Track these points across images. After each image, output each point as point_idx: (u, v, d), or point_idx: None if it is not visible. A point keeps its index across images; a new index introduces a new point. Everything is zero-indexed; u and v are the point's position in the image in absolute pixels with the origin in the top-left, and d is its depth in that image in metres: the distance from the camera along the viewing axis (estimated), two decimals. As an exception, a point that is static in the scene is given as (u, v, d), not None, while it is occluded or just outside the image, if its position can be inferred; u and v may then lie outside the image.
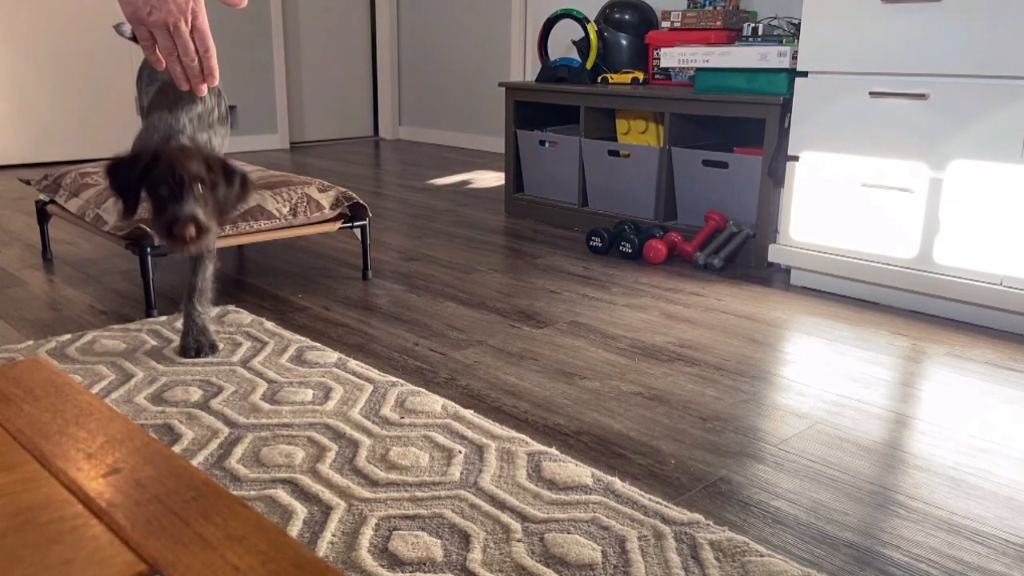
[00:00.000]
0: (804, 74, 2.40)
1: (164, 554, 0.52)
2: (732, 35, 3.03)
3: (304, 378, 1.76)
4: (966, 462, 1.46)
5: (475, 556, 1.16)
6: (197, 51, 1.04)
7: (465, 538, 1.20)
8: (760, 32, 2.86)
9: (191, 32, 1.03)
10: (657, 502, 1.30)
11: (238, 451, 1.44)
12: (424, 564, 1.14)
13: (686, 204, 2.97)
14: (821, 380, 1.82)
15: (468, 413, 1.60)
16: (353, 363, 1.83)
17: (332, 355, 1.88)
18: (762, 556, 1.17)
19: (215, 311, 1.99)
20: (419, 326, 2.12)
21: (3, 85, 4.50)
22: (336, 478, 1.35)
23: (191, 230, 1.55)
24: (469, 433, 1.52)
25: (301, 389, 1.70)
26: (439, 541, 1.19)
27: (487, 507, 1.28)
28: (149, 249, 2.06)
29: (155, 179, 1.56)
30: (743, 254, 2.76)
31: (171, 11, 1.00)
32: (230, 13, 5.22)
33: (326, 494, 1.31)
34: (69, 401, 0.73)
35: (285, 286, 2.45)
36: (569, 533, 1.21)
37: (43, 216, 2.65)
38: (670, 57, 2.91)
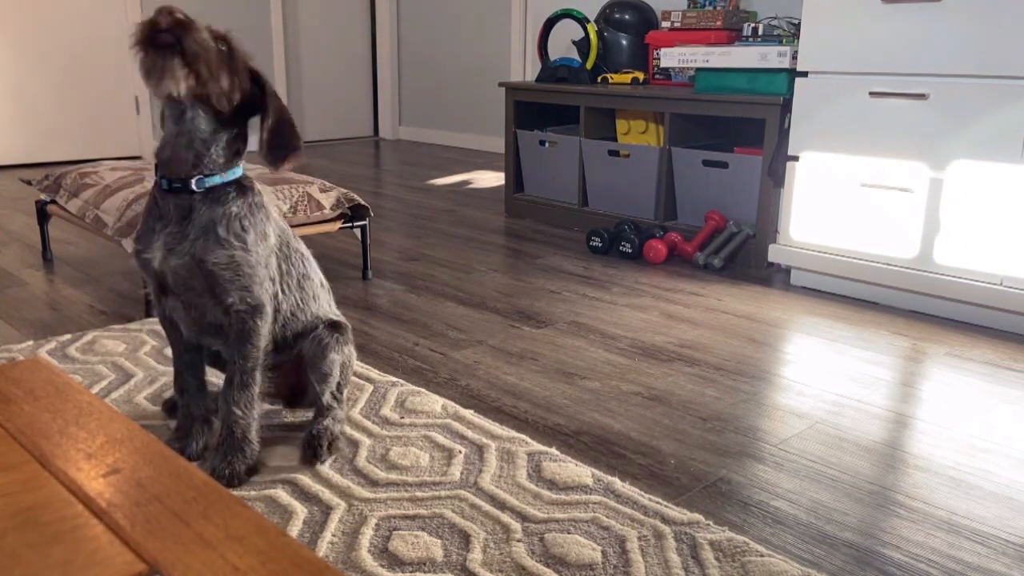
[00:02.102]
0: (804, 74, 2.40)
1: (164, 554, 0.52)
2: (732, 35, 3.03)
3: (304, 378, 1.75)
4: (966, 462, 1.46)
5: (475, 556, 1.16)
6: None
7: (465, 538, 1.20)
8: (760, 32, 2.86)
9: None
10: (657, 502, 1.30)
11: (238, 451, 1.44)
12: (424, 564, 1.14)
13: (686, 204, 2.97)
14: (821, 380, 1.82)
15: (468, 413, 1.60)
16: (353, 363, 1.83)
17: (332, 355, 1.88)
18: (762, 556, 1.17)
19: (262, 409, 1.40)
20: (419, 326, 2.12)
21: (4, 85, 4.50)
22: (336, 478, 1.35)
23: (171, 15, 1.14)
24: (469, 433, 1.52)
25: (301, 389, 1.70)
26: (439, 541, 1.19)
27: (487, 507, 1.28)
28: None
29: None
30: (743, 254, 2.76)
31: None
32: (230, 13, 5.21)
33: (326, 494, 1.31)
34: (69, 401, 0.73)
35: (285, 286, 2.45)
36: (569, 533, 1.21)
37: (43, 216, 2.65)
38: (670, 57, 2.91)
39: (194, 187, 1.27)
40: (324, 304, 1.52)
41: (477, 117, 5.56)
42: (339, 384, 1.49)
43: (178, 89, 1.18)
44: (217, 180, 1.29)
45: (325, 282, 1.56)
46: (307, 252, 1.49)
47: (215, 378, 1.65)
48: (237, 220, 1.30)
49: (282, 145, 1.32)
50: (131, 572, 0.49)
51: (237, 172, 1.33)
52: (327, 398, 1.47)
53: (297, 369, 1.51)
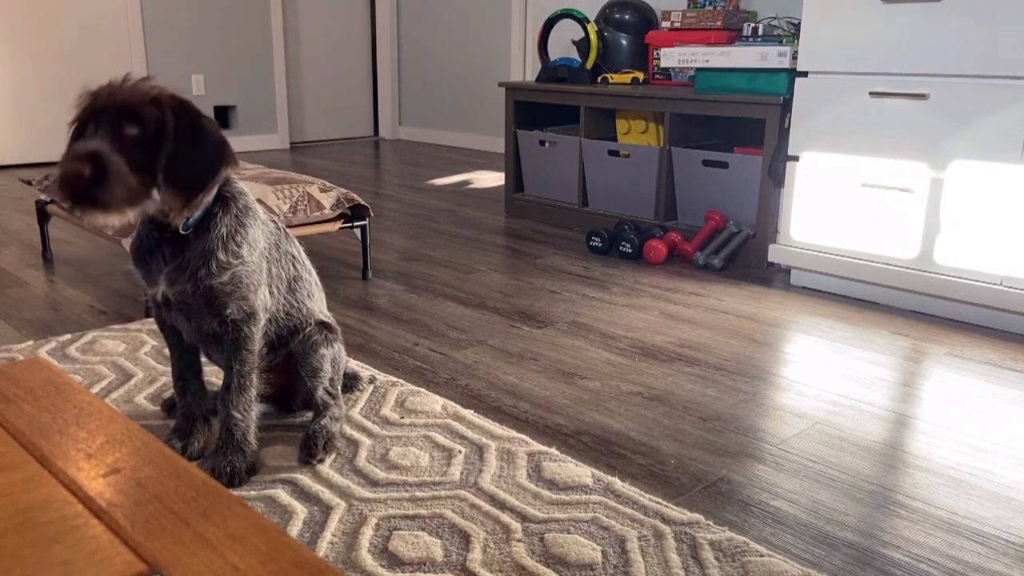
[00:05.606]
0: (804, 74, 2.40)
1: (164, 554, 0.52)
2: (732, 35, 3.03)
3: (304, 378, 1.75)
4: (966, 462, 1.46)
5: (475, 556, 1.15)
6: None
7: (465, 538, 1.20)
8: (760, 32, 2.86)
9: None
10: (657, 502, 1.30)
11: (238, 451, 1.44)
12: (424, 564, 1.14)
13: (686, 204, 2.97)
14: (821, 380, 1.82)
15: (468, 413, 1.60)
16: (353, 363, 1.83)
17: (332, 355, 1.88)
18: (762, 556, 1.17)
19: (259, 410, 1.39)
20: (419, 326, 2.12)
21: (3, 85, 4.50)
22: (336, 478, 1.35)
23: (80, 166, 1.08)
24: (469, 433, 1.52)
25: (301, 389, 1.70)
26: (439, 541, 1.19)
27: (487, 507, 1.28)
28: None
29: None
30: (743, 254, 2.76)
31: None
32: (230, 12, 5.21)
33: (326, 494, 1.31)
34: (69, 401, 0.73)
35: (285, 286, 2.45)
36: (569, 533, 1.21)
37: (43, 216, 2.65)
38: (670, 57, 2.91)
39: (182, 231, 1.26)
40: (319, 302, 1.53)
41: (477, 117, 5.56)
42: (331, 379, 1.49)
43: (128, 219, 1.16)
44: (199, 213, 1.27)
45: (318, 282, 1.56)
46: (300, 254, 1.49)
47: (215, 378, 1.65)
48: (232, 240, 1.29)
49: (185, 180, 1.19)
50: (131, 572, 0.49)
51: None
52: (320, 394, 1.48)
53: (287, 370, 1.51)
